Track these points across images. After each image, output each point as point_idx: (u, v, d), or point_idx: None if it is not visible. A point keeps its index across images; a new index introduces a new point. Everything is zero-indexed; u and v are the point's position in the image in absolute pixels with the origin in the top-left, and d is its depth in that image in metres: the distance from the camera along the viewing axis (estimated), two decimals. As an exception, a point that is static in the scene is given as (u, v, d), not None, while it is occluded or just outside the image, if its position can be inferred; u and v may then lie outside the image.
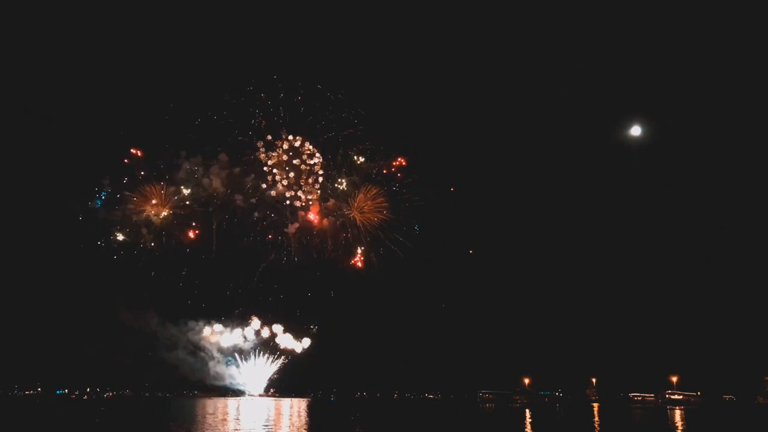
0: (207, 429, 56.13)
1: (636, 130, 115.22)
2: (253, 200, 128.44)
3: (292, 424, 65.69)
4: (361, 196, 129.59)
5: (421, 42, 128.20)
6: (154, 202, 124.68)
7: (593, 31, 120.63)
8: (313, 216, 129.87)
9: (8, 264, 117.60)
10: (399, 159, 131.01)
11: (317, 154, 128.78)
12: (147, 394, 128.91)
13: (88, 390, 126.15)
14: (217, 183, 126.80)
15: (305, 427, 63.03)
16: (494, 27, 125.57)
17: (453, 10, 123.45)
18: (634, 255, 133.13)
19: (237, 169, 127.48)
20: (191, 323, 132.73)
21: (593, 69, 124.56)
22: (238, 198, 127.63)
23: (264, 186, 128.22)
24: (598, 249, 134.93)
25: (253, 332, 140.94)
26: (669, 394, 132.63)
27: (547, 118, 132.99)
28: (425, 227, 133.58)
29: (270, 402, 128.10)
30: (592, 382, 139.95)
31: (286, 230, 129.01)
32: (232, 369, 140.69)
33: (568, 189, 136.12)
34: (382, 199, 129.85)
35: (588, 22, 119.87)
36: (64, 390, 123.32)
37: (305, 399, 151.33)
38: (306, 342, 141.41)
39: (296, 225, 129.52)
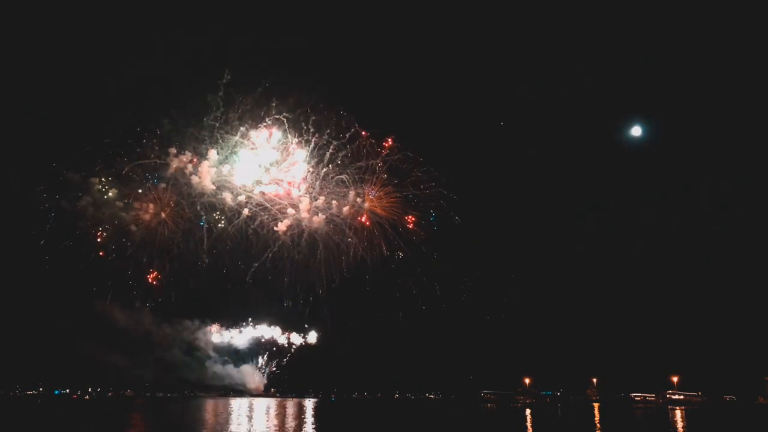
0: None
1: (637, 131, 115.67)
2: (242, 197, 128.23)
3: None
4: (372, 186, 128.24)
5: (419, 41, 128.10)
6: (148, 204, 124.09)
7: (593, 31, 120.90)
8: (304, 214, 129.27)
9: (7, 264, 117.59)
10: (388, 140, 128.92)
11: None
12: (148, 394, 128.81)
13: (90, 390, 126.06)
14: (206, 180, 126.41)
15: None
16: (494, 27, 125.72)
17: (452, 9, 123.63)
18: (634, 255, 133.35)
19: (226, 166, 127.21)
20: (186, 323, 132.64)
21: (593, 69, 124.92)
22: (227, 196, 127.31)
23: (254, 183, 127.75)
24: (599, 249, 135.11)
25: (249, 332, 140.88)
26: (670, 394, 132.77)
27: (547, 118, 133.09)
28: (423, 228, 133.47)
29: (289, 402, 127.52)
30: (593, 382, 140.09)
31: (275, 228, 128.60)
32: (230, 369, 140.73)
33: (569, 189, 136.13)
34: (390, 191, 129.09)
35: (588, 22, 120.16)
36: (65, 390, 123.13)
37: (310, 399, 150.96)
38: (302, 340, 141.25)
39: (287, 223, 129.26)
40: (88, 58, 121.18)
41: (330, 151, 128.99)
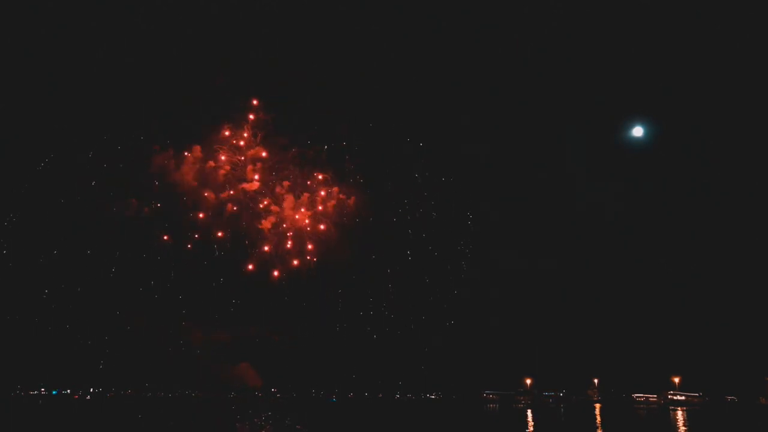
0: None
1: (638, 131, 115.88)
2: (224, 194, 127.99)
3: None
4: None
5: (416, 40, 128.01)
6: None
7: (594, 30, 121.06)
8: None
9: (7, 263, 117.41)
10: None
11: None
12: (149, 394, 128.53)
13: (91, 390, 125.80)
14: (189, 177, 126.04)
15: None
16: (492, 26, 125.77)
17: (451, 7, 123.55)
18: (635, 255, 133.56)
19: (210, 163, 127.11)
20: (180, 321, 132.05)
21: (594, 69, 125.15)
22: (210, 192, 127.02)
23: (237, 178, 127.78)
24: (600, 249, 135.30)
25: (245, 330, 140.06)
26: (671, 394, 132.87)
27: (547, 118, 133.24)
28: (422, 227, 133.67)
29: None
30: (594, 382, 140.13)
31: (259, 226, 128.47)
32: (228, 368, 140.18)
33: (569, 189, 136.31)
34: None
35: (588, 22, 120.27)
36: (66, 390, 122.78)
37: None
38: (298, 339, 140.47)
39: (271, 219, 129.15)
40: (71, 55, 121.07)
41: (315, 149, 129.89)
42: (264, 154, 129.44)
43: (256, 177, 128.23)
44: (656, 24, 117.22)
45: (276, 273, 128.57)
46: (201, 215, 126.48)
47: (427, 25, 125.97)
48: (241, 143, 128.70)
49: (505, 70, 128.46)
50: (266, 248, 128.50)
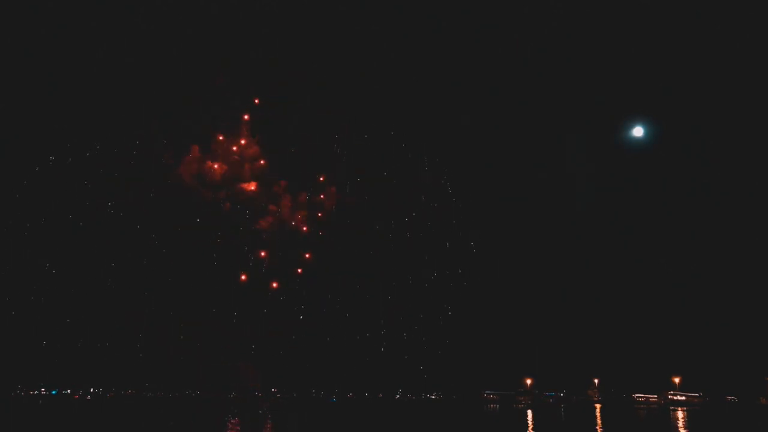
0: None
1: (638, 131, 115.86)
2: (221, 193, 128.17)
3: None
4: None
5: (416, 40, 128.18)
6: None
7: (594, 30, 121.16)
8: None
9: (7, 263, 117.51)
10: None
11: None
12: (149, 394, 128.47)
13: (91, 390, 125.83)
14: (186, 175, 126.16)
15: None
16: (492, 26, 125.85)
17: (451, 7, 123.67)
18: (635, 255, 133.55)
19: (208, 162, 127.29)
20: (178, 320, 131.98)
21: (594, 69, 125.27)
22: (207, 192, 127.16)
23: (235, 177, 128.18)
24: (600, 249, 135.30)
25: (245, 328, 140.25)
26: (671, 395, 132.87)
27: (547, 118, 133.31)
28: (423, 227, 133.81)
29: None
30: (595, 382, 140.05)
31: (257, 226, 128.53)
32: (228, 367, 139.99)
33: (569, 190, 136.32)
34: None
35: (588, 22, 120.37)
36: (66, 390, 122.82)
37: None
38: (298, 338, 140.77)
39: (269, 219, 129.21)
40: (71, 55, 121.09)
41: (314, 148, 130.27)
42: (262, 161, 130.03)
43: (253, 186, 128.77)
44: (656, 24, 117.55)
45: (275, 284, 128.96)
46: (198, 219, 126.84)
47: (427, 25, 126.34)
48: (234, 148, 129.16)
49: (505, 70, 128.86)
50: (263, 253, 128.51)
